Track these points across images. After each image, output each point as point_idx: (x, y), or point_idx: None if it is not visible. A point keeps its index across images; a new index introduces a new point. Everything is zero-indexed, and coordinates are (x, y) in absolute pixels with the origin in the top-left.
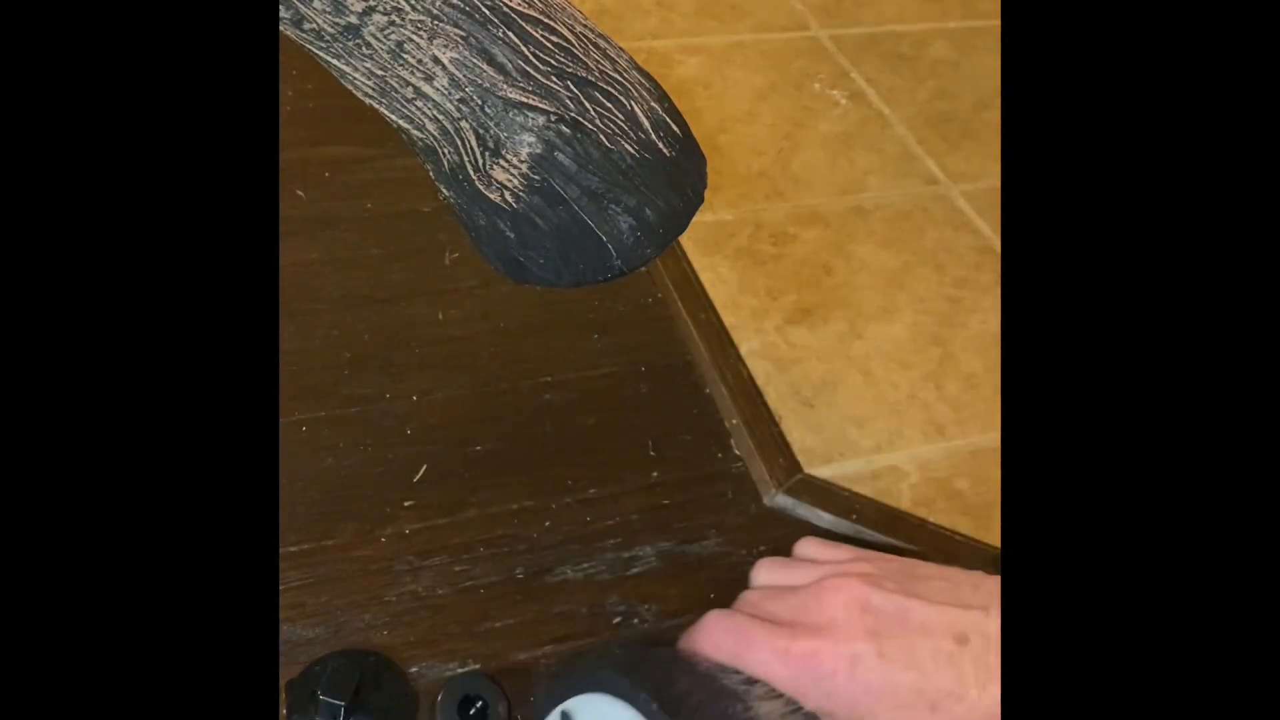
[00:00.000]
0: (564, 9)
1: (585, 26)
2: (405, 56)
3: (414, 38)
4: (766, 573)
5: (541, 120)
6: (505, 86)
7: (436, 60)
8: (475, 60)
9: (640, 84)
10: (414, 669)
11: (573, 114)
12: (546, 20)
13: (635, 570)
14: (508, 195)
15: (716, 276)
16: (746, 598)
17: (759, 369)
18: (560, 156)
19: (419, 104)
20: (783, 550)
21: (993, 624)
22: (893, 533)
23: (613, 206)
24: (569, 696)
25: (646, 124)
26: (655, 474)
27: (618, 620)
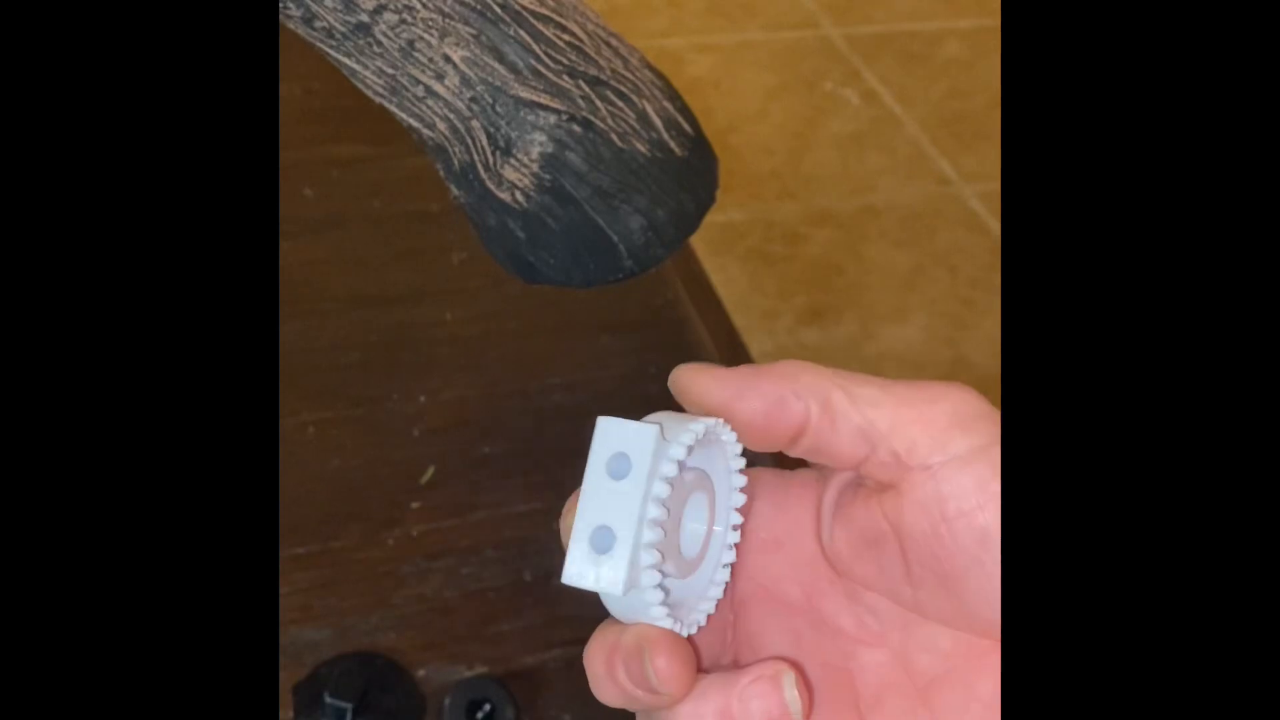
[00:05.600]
0: (575, 7)
1: (597, 25)
2: (416, 55)
3: (425, 36)
4: None
5: (553, 119)
6: (516, 85)
7: (447, 59)
8: (486, 58)
9: (652, 83)
10: (421, 672)
11: (584, 113)
12: (558, 18)
13: None
14: (518, 194)
15: (727, 277)
16: None
17: None
18: (571, 156)
19: (430, 102)
20: None
21: None
22: None
23: (624, 206)
24: None
25: (658, 123)
26: None
27: None
